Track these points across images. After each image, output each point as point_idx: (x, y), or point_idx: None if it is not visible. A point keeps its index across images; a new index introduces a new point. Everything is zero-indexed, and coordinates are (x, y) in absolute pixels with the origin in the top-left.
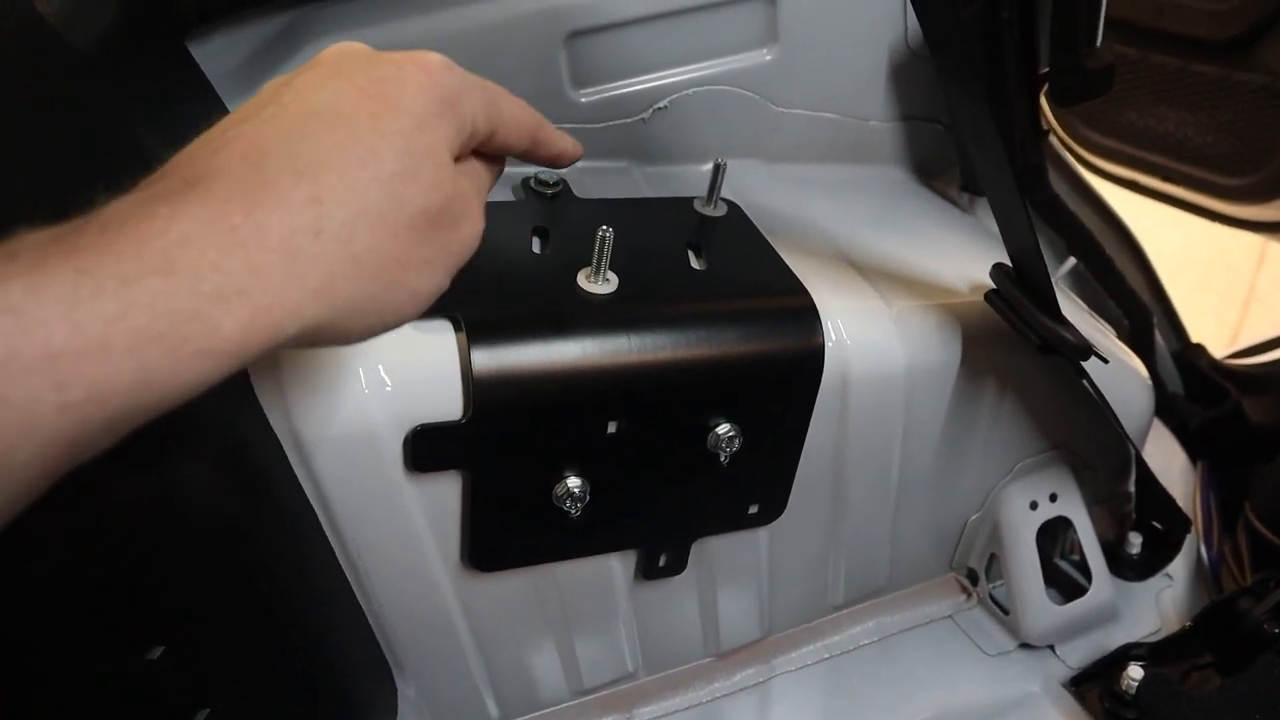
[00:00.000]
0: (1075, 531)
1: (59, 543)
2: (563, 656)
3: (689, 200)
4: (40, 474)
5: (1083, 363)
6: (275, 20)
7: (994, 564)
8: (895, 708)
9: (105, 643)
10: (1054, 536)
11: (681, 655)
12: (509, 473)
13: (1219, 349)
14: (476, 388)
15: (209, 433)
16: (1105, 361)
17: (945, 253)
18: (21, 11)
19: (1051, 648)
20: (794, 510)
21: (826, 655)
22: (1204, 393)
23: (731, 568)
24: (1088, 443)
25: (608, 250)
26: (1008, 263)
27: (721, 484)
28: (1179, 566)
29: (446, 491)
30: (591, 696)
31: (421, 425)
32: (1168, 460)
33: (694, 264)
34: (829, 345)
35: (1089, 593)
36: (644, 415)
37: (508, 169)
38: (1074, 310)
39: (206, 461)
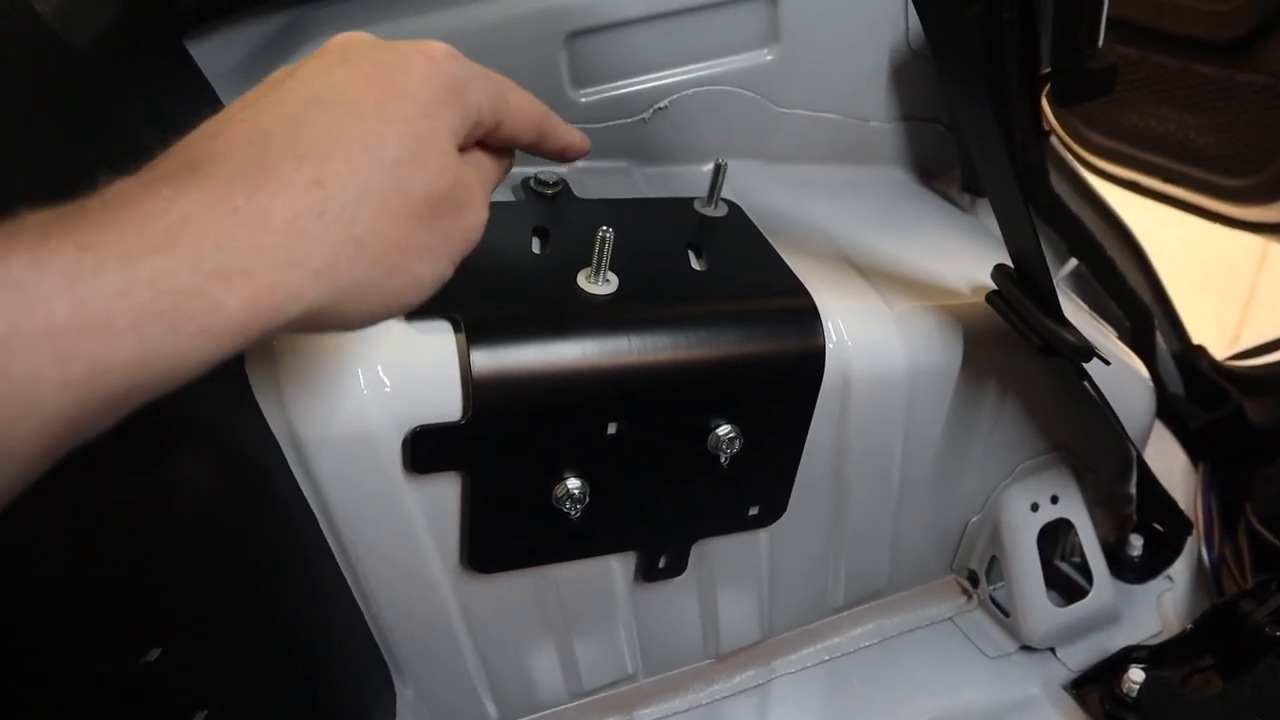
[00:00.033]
0: (1076, 533)
1: (56, 543)
2: (562, 658)
3: (689, 200)
4: (42, 452)
5: (1084, 364)
6: (274, 20)
7: (995, 566)
8: (895, 710)
9: (102, 644)
10: (1055, 538)
11: (681, 657)
12: (508, 474)
13: (1220, 350)
14: (476, 389)
15: (206, 434)
16: (1107, 363)
17: (946, 254)
18: (20, 11)
19: (1052, 650)
20: (794, 512)
21: (827, 657)
22: (1205, 394)
23: (731, 569)
24: (1089, 444)
25: (608, 251)
26: (1009, 264)
27: (722, 485)
28: (1180, 569)
29: (446, 493)
30: (591, 698)
31: (421, 426)
32: (1169, 462)
33: (694, 265)
34: (830, 346)
35: (1090, 595)
36: (644, 416)
37: None
38: (1075, 311)
39: (204, 463)
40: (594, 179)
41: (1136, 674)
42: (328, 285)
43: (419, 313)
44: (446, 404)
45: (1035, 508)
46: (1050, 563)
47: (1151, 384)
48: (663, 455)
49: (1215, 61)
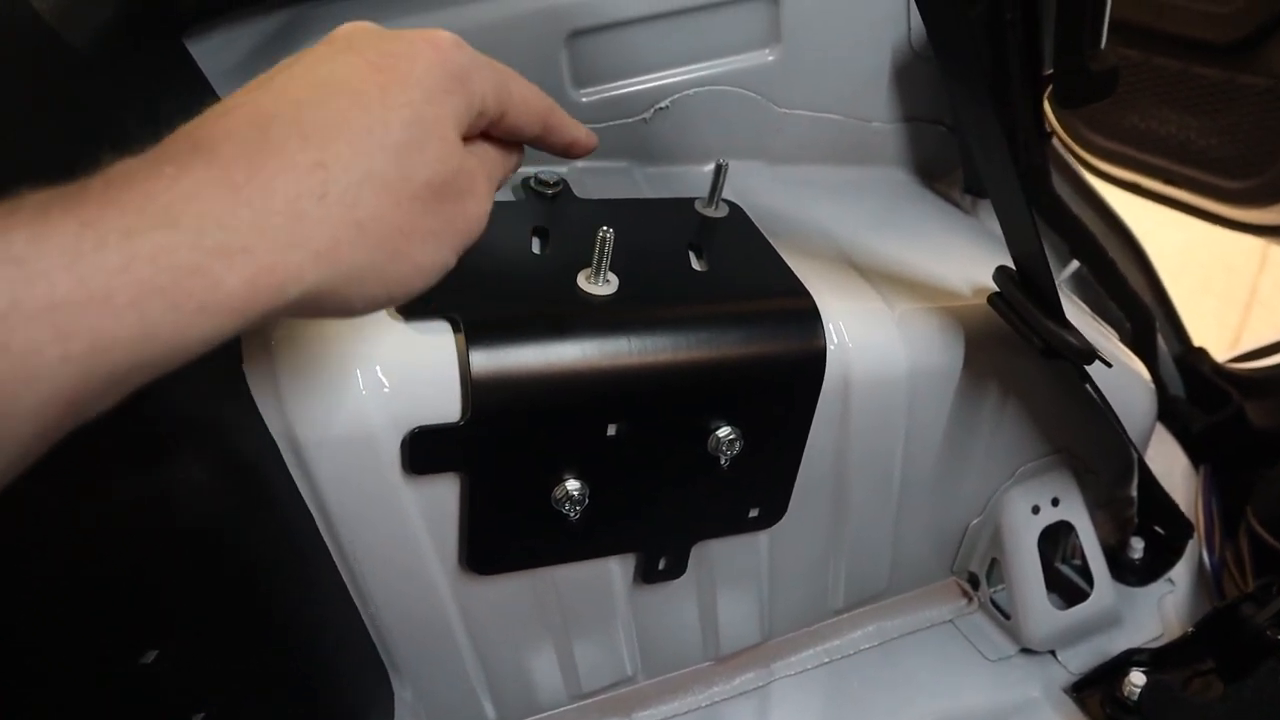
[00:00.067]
0: (1077, 536)
1: (52, 544)
2: (561, 660)
3: (690, 201)
4: (42, 430)
5: (1086, 367)
6: (274, 18)
7: (995, 568)
8: (896, 712)
9: (98, 646)
10: (1055, 541)
11: (681, 659)
12: (507, 475)
13: (1220, 352)
14: (475, 389)
15: (203, 435)
16: (1109, 365)
17: (948, 255)
18: (18, 9)
19: (1053, 653)
20: (794, 514)
21: (827, 659)
22: (1206, 397)
23: (731, 571)
24: (1090, 447)
25: (608, 251)
26: (1011, 265)
27: (722, 487)
28: (1181, 571)
29: (444, 494)
30: (590, 700)
31: (419, 427)
32: (1169, 464)
33: (695, 265)
34: (831, 348)
35: (1091, 598)
36: (644, 418)
37: None
38: (1076, 313)
39: (201, 464)
40: (594, 179)
41: (1137, 677)
42: (328, 267)
43: (418, 313)
44: (445, 405)
45: (1036, 510)
46: (1051, 565)
47: (1153, 386)
48: (663, 457)
49: (1216, 64)
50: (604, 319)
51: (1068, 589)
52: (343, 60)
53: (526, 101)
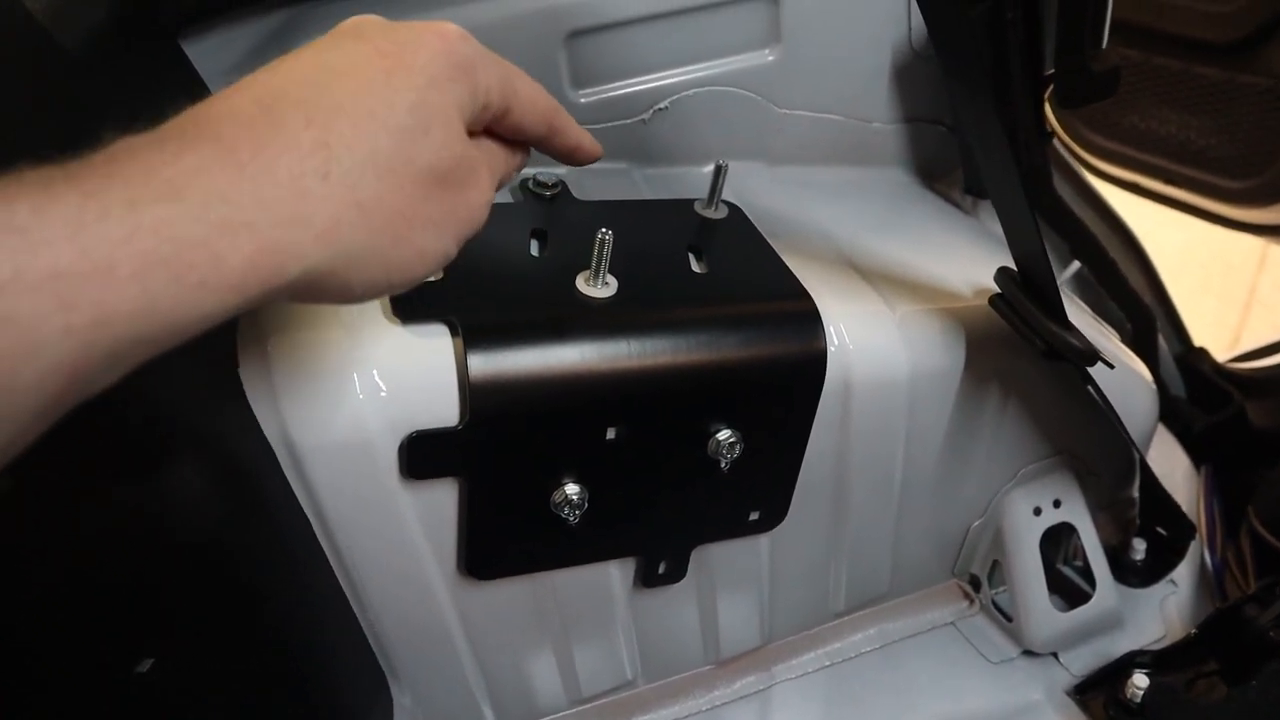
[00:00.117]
0: (1079, 537)
1: (45, 551)
2: (561, 664)
3: (689, 202)
4: (43, 404)
5: (1088, 368)
6: (270, 19)
7: (997, 570)
8: (897, 715)
9: (93, 655)
10: (1057, 542)
11: (681, 663)
12: (506, 479)
13: (1220, 352)
14: (473, 393)
15: (199, 440)
16: (1111, 367)
17: (949, 256)
18: (12, 10)
19: (1055, 655)
20: (795, 516)
21: (828, 662)
22: (1207, 397)
23: (732, 574)
24: (1091, 448)
25: (607, 253)
26: (1012, 266)
27: (722, 490)
28: (1183, 572)
29: (443, 498)
30: (590, 705)
31: (417, 431)
32: (1171, 465)
33: (695, 267)
34: (831, 350)
35: (1093, 599)
36: (644, 421)
37: None
38: (1077, 314)
39: (195, 470)
40: (593, 180)
41: (1140, 679)
42: (329, 248)
43: (415, 316)
44: (443, 409)
45: (1038, 512)
46: (1053, 567)
47: (1154, 387)
48: (662, 460)
49: (1216, 63)
50: (603, 321)
51: (1070, 591)
52: (349, 47)
53: (532, 100)
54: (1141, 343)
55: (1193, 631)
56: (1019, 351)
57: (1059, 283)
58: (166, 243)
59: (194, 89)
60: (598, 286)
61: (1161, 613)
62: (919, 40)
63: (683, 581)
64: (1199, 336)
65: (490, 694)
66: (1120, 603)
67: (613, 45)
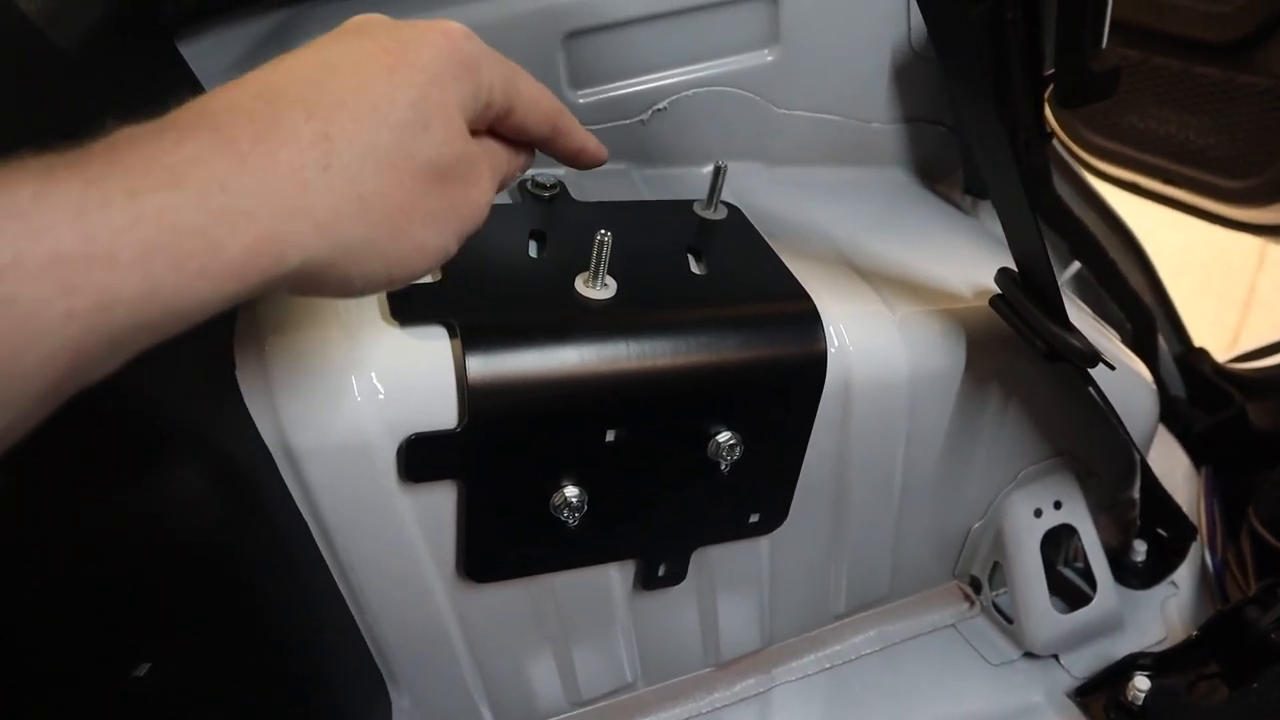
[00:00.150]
0: (1079, 539)
1: (41, 555)
2: (560, 667)
3: (689, 203)
4: (43, 390)
5: (1089, 369)
6: (266, 20)
7: (997, 572)
8: (897, 718)
9: (90, 660)
10: (1058, 544)
11: (681, 665)
12: (505, 482)
13: (1219, 352)
14: (472, 396)
15: (195, 443)
16: (1112, 368)
17: (949, 257)
18: (4, 9)
19: (1056, 657)
20: (795, 518)
21: (828, 665)
22: (1207, 397)
23: (732, 577)
24: (1092, 449)
25: (606, 254)
26: (1013, 267)
27: (722, 493)
28: (1184, 574)
29: (441, 501)
30: (590, 707)
31: (415, 434)
32: (1171, 466)
33: (694, 268)
34: (831, 351)
35: (1093, 601)
36: (643, 423)
37: None
38: (1078, 315)
39: (192, 472)
40: (592, 181)
41: (1142, 682)
42: (329, 239)
43: (413, 318)
44: (442, 411)
45: (1038, 513)
46: (1053, 568)
47: (1155, 388)
48: (662, 462)
49: (1216, 63)
50: (602, 323)
51: (1070, 592)
52: (352, 43)
53: (535, 100)
54: (1142, 343)
55: (1194, 634)
56: (1019, 352)
57: (1059, 283)
58: (167, 230)
59: (190, 90)
60: (597, 288)
61: (1162, 614)
62: (919, 40)
63: (683, 584)
64: (1198, 336)
65: (489, 697)
66: (1121, 604)
67: (611, 45)
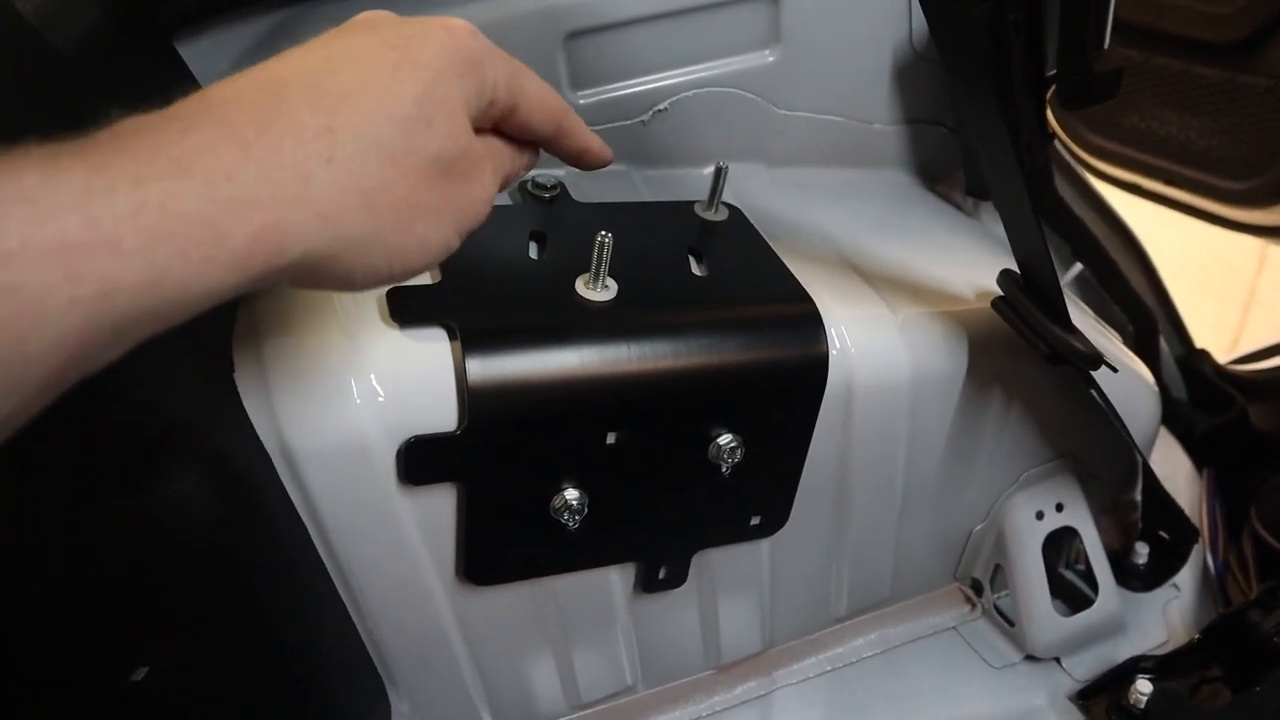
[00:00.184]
0: (1081, 541)
1: (38, 558)
2: (561, 670)
3: (690, 204)
4: (48, 375)
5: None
6: (265, 20)
7: (999, 574)
8: None
9: (87, 664)
10: (1059, 546)
11: (681, 668)
12: (505, 485)
13: (1220, 353)
14: (471, 398)
15: (192, 445)
16: (1115, 370)
17: (950, 258)
18: (1, 9)
19: (1057, 660)
20: (796, 521)
21: (829, 668)
22: (1209, 399)
23: (732, 579)
24: (1094, 451)
25: (606, 256)
26: (1015, 269)
27: (723, 495)
28: (1185, 576)
29: (441, 504)
30: (590, 710)
31: (415, 437)
32: (1173, 468)
33: (695, 270)
34: (833, 353)
35: (1095, 604)
36: (644, 425)
37: None
38: (1080, 316)
39: (191, 476)
40: (592, 182)
41: (1144, 685)
42: (331, 231)
43: (413, 320)
44: (442, 414)
45: (1040, 516)
46: (1055, 571)
47: (1157, 389)
48: (663, 465)
49: (1217, 64)
50: (602, 325)
51: (1072, 595)
52: (358, 38)
53: (540, 99)
54: (1143, 345)
55: (1196, 637)
56: (1021, 354)
57: (1061, 285)
58: (172, 219)
59: (189, 90)
60: (597, 290)
61: (1164, 617)
62: (920, 41)
63: (683, 586)
64: (1199, 338)
65: (489, 700)
66: (1123, 607)
67: (612, 46)
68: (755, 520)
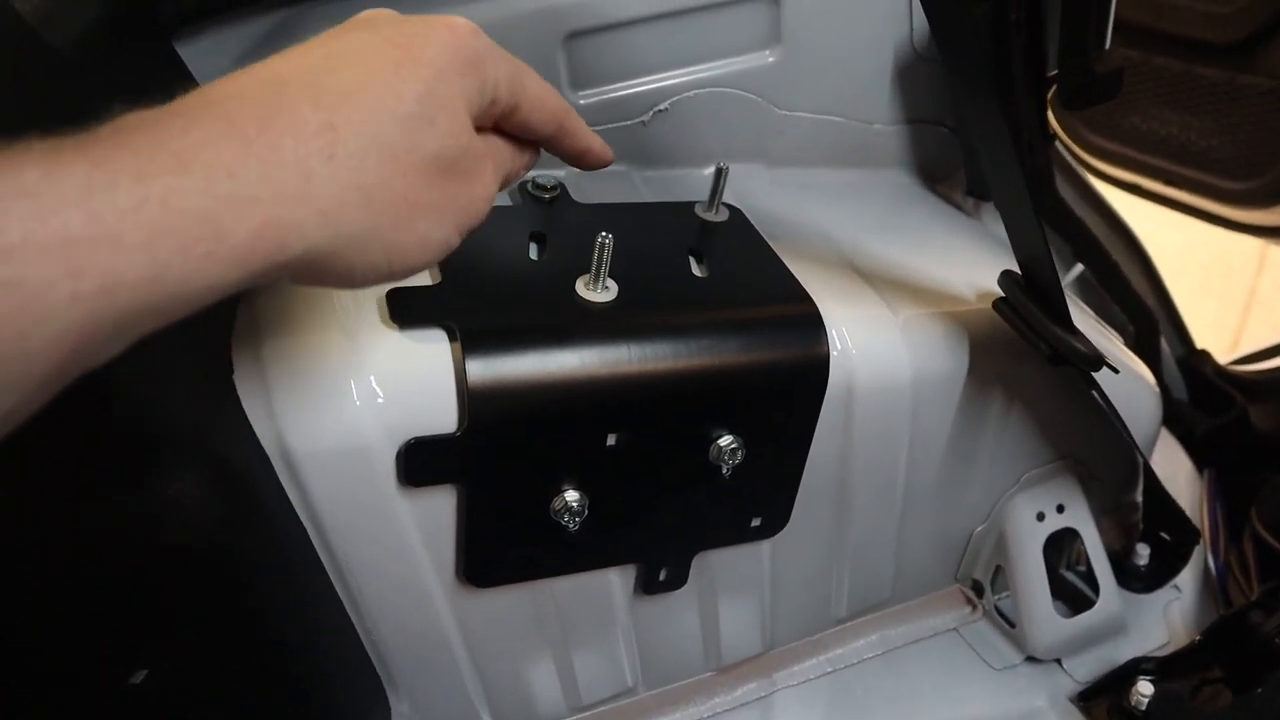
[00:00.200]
0: (1082, 543)
1: (43, 559)
2: (561, 672)
3: (690, 205)
4: (50, 370)
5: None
6: (265, 20)
7: (1000, 576)
8: None
9: (85, 667)
10: (1060, 548)
11: (682, 670)
12: (505, 486)
13: (1220, 353)
14: (472, 399)
15: (192, 448)
16: (1116, 371)
17: (951, 259)
18: (0, 10)
19: (1058, 661)
20: (797, 522)
21: (830, 669)
22: (1209, 400)
23: (733, 581)
24: (1095, 452)
25: (607, 257)
26: (1016, 269)
27: (723, 497)
28: (1186, 578)
29: (441, 505)
30: (590, 712)
31: (415, 438)
32: (1173, 469)
33: (695, 271)
34: (834, 354)
35: (1096, 605)
36: (644, 427)
37: None
38: (1081, 317)
39: (191, 477)
40: (592, 183)
41: (1145, 686)
42: (332, 228)
43: (413, 321)
44: (441, 415)
45: (1041, 517)
46: (1056, 572)
47: (1158, 390)
48: (663, 466)
49: (1217, 64)
50: (603, 326)
51: (1073, 596)
52: (360, 36)
53: (541, 99)
54: (1144, 346)
55: (1197, 638)
56: (1022, 355)
57: (1062, 286)
58: (174, 214)
59: (188, 91)
60: (598, 290)
61: (1165, 618)
62: (921, 41)
63: (684, 588)
64: (1199, 338)
65: (489, 702)
66: (1124, 608)
67: (612, 46)
68: (756, 521)
